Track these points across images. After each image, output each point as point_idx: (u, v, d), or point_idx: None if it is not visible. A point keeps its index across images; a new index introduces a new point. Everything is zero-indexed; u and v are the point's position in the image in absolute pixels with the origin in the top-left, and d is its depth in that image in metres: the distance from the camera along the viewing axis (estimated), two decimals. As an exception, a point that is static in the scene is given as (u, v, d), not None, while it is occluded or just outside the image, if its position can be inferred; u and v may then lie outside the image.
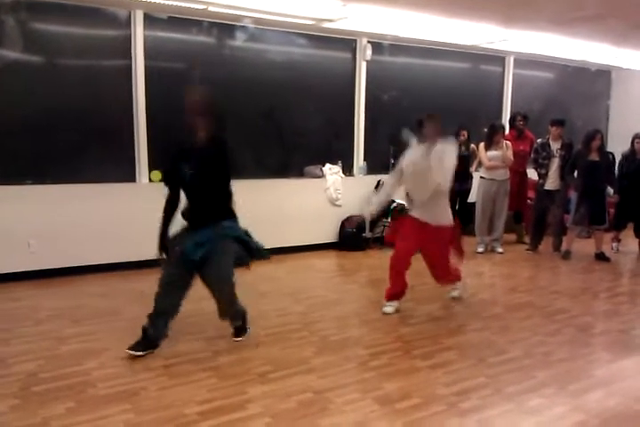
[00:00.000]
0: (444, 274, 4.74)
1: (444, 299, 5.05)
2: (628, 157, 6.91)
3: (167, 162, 3.78)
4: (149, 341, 3.66)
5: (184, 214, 3.68)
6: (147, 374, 3.42)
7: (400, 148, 4.54)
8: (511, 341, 4.06)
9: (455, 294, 5.02)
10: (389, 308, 4.61)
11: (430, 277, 5.81)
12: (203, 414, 2.95)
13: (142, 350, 3.61)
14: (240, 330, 3.95)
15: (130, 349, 3.59)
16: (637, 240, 7.05)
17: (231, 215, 3.73)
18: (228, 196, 3.69)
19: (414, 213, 4.54)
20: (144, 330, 3.65)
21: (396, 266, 4.55)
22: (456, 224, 4.70)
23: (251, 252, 3.79)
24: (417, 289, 5.19)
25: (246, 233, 3.80)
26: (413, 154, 4.50)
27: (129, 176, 5.95)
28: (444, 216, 4.54)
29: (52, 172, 5.61)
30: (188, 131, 3.57)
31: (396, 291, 4.63)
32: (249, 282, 5.44)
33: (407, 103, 7.67)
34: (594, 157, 6.44)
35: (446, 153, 4.34)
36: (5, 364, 3.53)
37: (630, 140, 6.94)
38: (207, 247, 3.52)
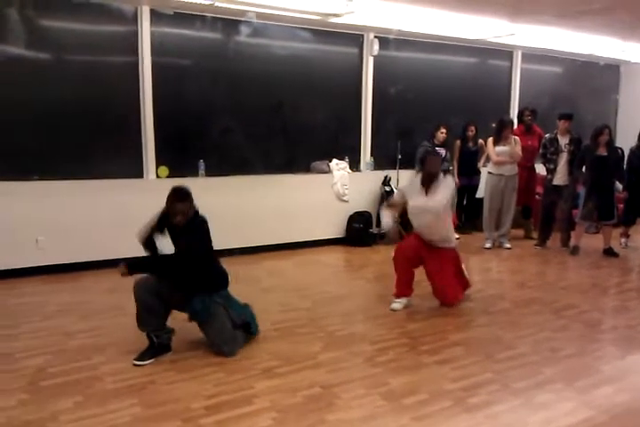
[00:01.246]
0: (447, 294, 4.68)
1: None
2: (636, 151, 6.85)
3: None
4: (156, 349, 3.61)
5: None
6: (154, 368, 3.43)
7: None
8: (519, 336, 4.04)
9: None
10: (397, 304, 4.60)
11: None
12: (209, 408, 2.95)
13: (148, 360, 3.54)
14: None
15: (136, 359, 3.52)
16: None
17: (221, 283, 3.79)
18: (216, 269, 3.77)
19: (419, 231, 4.65)
20: (150, 338, 3.60)
21: (398, 257, 4.61)
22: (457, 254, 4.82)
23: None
24: (423, 285, 5.17)
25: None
26: (414, 189, 4.61)
27: (136, 172, 5.96)
28: (448, 238, 4.65)
29: (60, 167, 5.62)
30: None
31: (402, 283, 4.63)
32: (256, 277, 5.47)
33: (414, 98, 7.65)
34: (602, 151, 6.40)
35: (443, 187, 4.53)
36: (14, 358, 3.56)
37: (638, 134, 6.88)
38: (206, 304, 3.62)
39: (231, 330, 3.68)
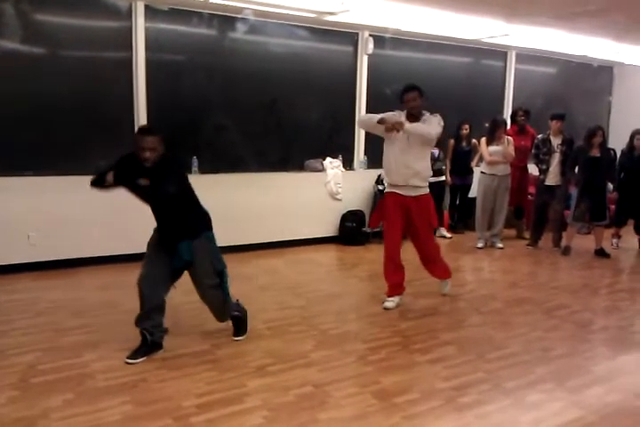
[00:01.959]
0: (436, 259, 4.74)
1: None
2: (627, 152, 6.90)
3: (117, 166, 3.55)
4: (149, 347, 3.57)
5: (158, 231, 3.63)
6: (145, 366, 3.42)
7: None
8: (510, 336, 4.06)
9: (446, 290, 4.97)
10: (390, 303, 4.59)
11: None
12: (201, 406, 2.95)
13: (141, 358, 3.50)
14: (240, 325, 3.89)
15: (128, 357, 3.48)
16: (637, 237, 7.05)
17: (205, 222, 3.67)
18: (197, 210, 3.63)
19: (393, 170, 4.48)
20: (143, 336, 3.55)
21: (389, 255, 4.58)
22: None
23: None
24: (416, 284, 5.19)
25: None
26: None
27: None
28: (424, 174, 4.48)
29: (53, 163, 5.59)
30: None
31: (394, 282, 4.62)
32: (249, 275, 5.47)
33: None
34: (595, 153, 6.43)
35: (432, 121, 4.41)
36: (4, 355, 3.54)
37: (629, 135, 6.92)
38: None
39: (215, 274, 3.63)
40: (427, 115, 4.47)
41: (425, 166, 4.50)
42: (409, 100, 4.43)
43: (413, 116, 4.42)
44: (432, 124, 4.37)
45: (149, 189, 3.37)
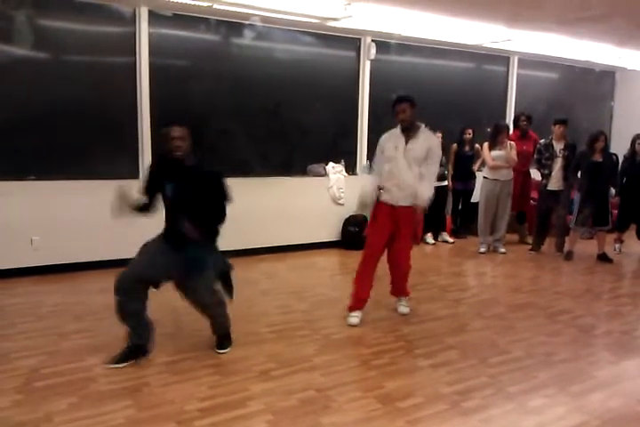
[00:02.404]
0: (404, 275, 4.56)
1: (446, 299, 5.05)
2: (629, 158, 6.90)
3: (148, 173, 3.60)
4: (132, 351, 3.52)
5: (166, 232, 3.57)
6: (149, 370, 3.43)
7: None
8: (513, 341, 4.05)
9: (405, 310, 4.63)
10: (354, 318, 4.32)
11: (432, 275, 5.84)
12: (204, 410, 2.95)
13: (125, 361, 3.46)
14: (225, 339, 3.81)
15: (111, 362, 3.45)
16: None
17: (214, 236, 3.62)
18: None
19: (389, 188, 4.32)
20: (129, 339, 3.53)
21: (365, 261, 4.39)
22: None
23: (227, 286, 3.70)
24: (419, 288, 5.20)
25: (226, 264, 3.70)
26: (392, 138, 4.32)
27: (132, 172, 5.95)
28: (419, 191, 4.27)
29: (56, 168, 5.61)
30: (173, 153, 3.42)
31: (361, 296, 4.38)
32: (252, 280, 5.48)
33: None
34: (597, 158, 6.43)
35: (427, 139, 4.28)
36: (7, 359, 3.54)
37: (631, 141, 6.93)
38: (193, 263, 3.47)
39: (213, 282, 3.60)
40: (424, 130, 4.27)
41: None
42: (399, 111, 4.19)
43: (408, 131, 4.23)
44: (434, 160, 4.26)
45: (181, 192, 3.40)
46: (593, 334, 4.28)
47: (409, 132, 4.23)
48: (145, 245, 3.58)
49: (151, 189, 3.52)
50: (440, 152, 4.39)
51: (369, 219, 4.60)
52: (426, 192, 4.22)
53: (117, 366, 3.43)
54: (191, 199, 3.42)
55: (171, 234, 3.52)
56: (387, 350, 3.81)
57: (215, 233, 3.60)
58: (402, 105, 4.19)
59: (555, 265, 6.53)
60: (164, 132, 3.42)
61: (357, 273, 4.45)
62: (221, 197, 3.52)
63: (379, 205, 4.39)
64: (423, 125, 4.30)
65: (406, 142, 4.21)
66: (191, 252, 3.42)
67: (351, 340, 4.02)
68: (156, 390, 3.17)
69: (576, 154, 6.63)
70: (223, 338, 3.79)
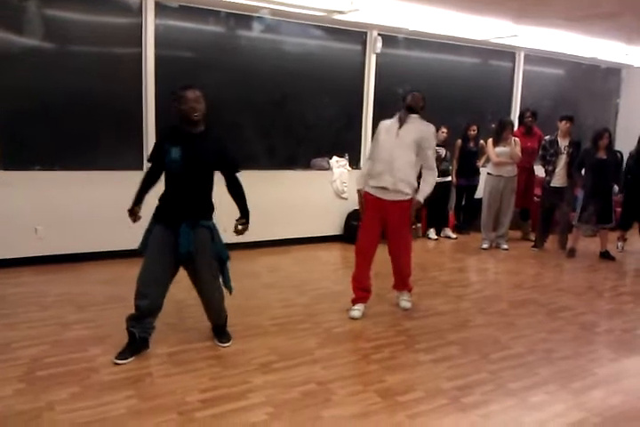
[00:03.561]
0: (402, 268, 4.53)
1: (448, 294, 5.06)
2: (635, 155, 6.88)
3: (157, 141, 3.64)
4: (138, 344, 3.51)
5: (164, 205, 3.52)
6: (150, 361, 3.44)
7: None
8: (514, 337, 4.06)
9: (407, 305, 4.62)
10: (356, 312, 4.36)
11: (435, 271, 5.85)
12: (205, 402, 2.96)
13: (130, 357, 3.45)
14: (223, 333, 3.80)
15: (117, 358, 3.41)
16: (643, 240, 7.05)
17: (211, 211, 3.60)
18: (210, 195, 3.58)
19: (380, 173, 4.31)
20: (131, 334, 3.49)
21: (356, 258, 4.44)
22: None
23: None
24: (421, 284, 5.20)
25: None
26: (387, 126, 4.37)
27: (137, 164, 5.95)
28: (409, 181, 4.29)
29: (61, 158, 5.62)
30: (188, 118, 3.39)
31: (358, 290, 4.44)
32: (255, 273, 5.49)
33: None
34: (602, 155, 6.42)
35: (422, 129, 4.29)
36: (10, 348, 3.56)
37: (638, 138, 6.90)
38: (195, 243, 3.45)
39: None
40: (418, 119, 4.30)
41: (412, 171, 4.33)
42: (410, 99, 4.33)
43: (404, 117, 4.30)
44: (429, 155, 4.31)
45: (188, 154, 3.37)
46: (594, 332, 4.28)
47: (405, 118, 4.27)
48: (150, 244, 3.51)
49: (158, 156, 3.49)
50: (434, 142, 4.39)
51: (360, 212, 4.56)
52: (427, 188, 4.28)
53: (125, 361, 3.40)
54: (201, 162, 3.42)
55: (168, 210, 3.48)
56: (388, 345, 3.81)
57: (210, 208, 3.58)
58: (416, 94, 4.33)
59: (557, 262, 6.53)
60: (180, 95, 3.40)
61: (354, 268, 4.49)
62: (232, 166, 3.54)
63: (366, 198, 4.39)
64: (418, 116, 4.32)
65: (399, 127, 4.25)
66: (185, 229, 3.41)
67: (352, 334, 4.03)
68: (158, 381, 3.19)
69: (580, 151, 6.61)
70: (221, 329, 3.79)
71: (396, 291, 4.71)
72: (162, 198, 3.54)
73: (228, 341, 3.75)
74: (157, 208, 3.54)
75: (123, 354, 3.43)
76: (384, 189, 4.25)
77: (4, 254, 5.34)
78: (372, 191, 4.33)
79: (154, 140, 5.91)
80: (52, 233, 5.50)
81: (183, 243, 3.40)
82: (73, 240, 5.60)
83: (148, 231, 3.56)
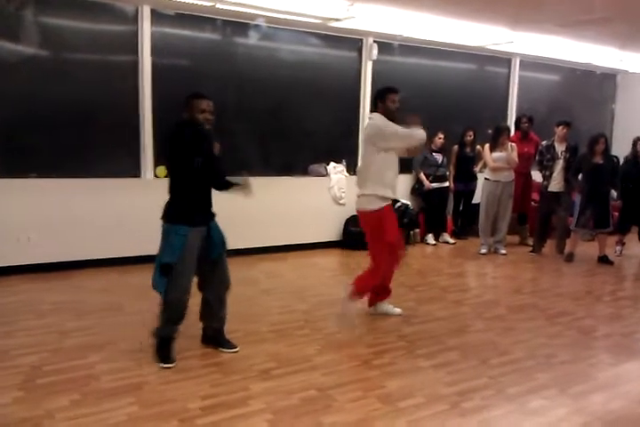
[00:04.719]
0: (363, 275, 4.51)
1: (447, 299, 5.06)
2: (631, 160, 6.91)
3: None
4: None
5: (197, 207, 3.58)
6: (150, 368, 3.43)
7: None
8: (514, 342, 4.06)
9: (394, 310, 4.60)
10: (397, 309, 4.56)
11: (433, 276, 5.85)
12: (205, 409, 2.95)
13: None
14: (225, 338, 3.81)
15: (164, 363, 3.46)
16: (640, 244, 7.07)
17: None
18: None
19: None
20: (170, 340, 3.53)
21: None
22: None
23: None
24: (419, 289, 5.21)
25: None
26: None
27: (134, 171, 5.96)
28: (365, 187, 4.36)
29: (57, 166, 5.62)
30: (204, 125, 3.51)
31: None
32: (253, 279, 5.48)
33: (412, 103, 7.64)
34: (598, 160, 6.44)
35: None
36: (9, 356, 3.54)
37: (632, 143, 6.94)
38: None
39: None
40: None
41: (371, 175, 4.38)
42: (396, 101, 4.62)
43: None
44: (390, 136, 4.48)
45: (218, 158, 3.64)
46: (593, 337, 4.28)
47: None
48: (187, 254, 3.46)
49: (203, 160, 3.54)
50: (387, 129, 4.44)
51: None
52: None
53: (172, 365, 3.44)
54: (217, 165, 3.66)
55: (202, 211, 3.63)
56: (387, 350, 3.81)
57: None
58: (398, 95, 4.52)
59: (555, 267, 6.53)
60: (194, 104, 3.48)
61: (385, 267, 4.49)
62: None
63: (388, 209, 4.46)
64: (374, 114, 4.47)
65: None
66: (215, 223, 3.66)
67: (352, 340, 4.02)
68: (158, 388, 3.18)
69: (577, 156, 6.64)
70: (222, 335, 3.79)
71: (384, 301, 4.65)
72: (191, 202, 3.55)
73: (235, 345, 3.75)
74: (188, 213, 3.51)
75: (167, 358, 3.49)
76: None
77: (-1, 263, 5.32)
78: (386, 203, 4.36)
79: (151, 148, 5.97)
80: (46, 241, 5.48)
81: (220, 236, 3.64)
82: (66, 248, 5.58)
83: (180, 242, 3.43)
